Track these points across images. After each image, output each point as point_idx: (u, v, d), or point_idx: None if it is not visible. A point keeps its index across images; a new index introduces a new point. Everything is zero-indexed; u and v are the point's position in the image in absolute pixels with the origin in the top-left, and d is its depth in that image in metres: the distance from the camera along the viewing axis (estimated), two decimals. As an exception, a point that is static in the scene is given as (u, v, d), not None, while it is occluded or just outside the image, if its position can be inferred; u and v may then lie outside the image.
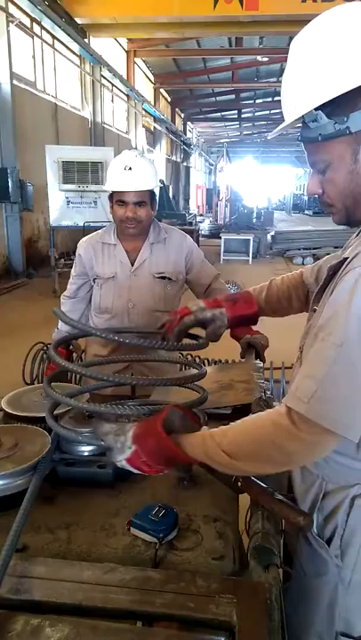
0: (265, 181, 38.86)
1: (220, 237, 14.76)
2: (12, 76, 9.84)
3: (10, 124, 9.76)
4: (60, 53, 13.04)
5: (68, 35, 11.49)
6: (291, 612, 1.23)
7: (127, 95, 18.41)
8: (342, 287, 1.03)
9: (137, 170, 2.23)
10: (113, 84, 16.81)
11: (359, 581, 1.23)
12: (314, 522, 1.24)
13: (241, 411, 1.63)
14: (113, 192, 2.29)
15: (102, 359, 2.09)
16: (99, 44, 14.35)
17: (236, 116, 31.20)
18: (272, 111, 28.71)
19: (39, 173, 9.48)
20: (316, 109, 1.03)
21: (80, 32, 12.24)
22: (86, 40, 12.91)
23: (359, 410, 0.98)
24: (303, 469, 1.31)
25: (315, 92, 1.02)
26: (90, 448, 1.42)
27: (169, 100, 26.07)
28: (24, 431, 1.46)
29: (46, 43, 12.10)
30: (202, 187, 34.72)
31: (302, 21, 1.10)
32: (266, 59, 18.05)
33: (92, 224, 8.17)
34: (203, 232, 17.78)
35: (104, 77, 15.38)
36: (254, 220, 18.35)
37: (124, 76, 17.03)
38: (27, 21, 11.01)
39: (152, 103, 21.29)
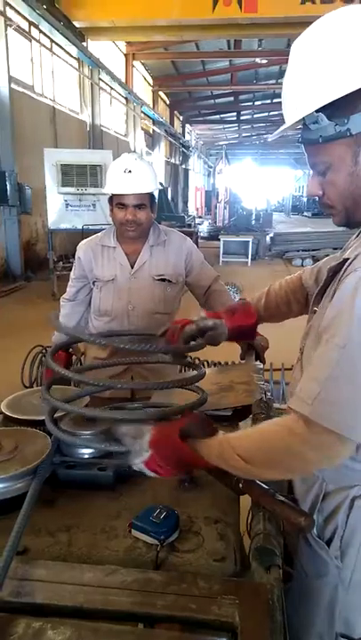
0: (264, 183, 38.92)
1: (219, 239, 14.77)
2: (11, 79, 9.85)
3: (8, 127, 9.77)
4: (59, 57, 13.05)
5: (67, 38, 11.51)
6: (292, 612, 1.24)
7: (126, 98, 18.44)
8: (344, 289, 1.03)
9: (137, 173, 2.23)
10: (111, 87, 16.84)
11: (359, 582, 1.23)
12: (314, 522, 1.24)
13: (241, 412, 1.63)
14: (113, 195, 2.29)
15: (101, 362, 2.10)
16: (97, 47, 14.36)
17: (234, 119, 31.22)
18: (271, 113, 28.72)
19: (38, 176, 9.48)
20: (316, 111, 1.04)
21: (78, 35, 12.23)
22: (85, 43, 12.92)
23: None
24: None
25: (316, 94, 1.03)
26: (90, 450, 1.42)
27: (168, 102, 26.11)
28: (24, 434, 1.46)
29: (44, 46, 12.11)
30: (201, 189, 34.71)
31: (301, 23, 1.11)
32: (265, 61, 18.08)
33: (90, 227, 8.17)
34: (202, 234, 17.79)
35: (102, 80, 15.40)
36: (253, 222, 18.39)
37: (123, 79, 17.05)
38: (25, 25, 11.03)
39: (151, 106, 21.32)
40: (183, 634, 0.93)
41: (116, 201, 2.29)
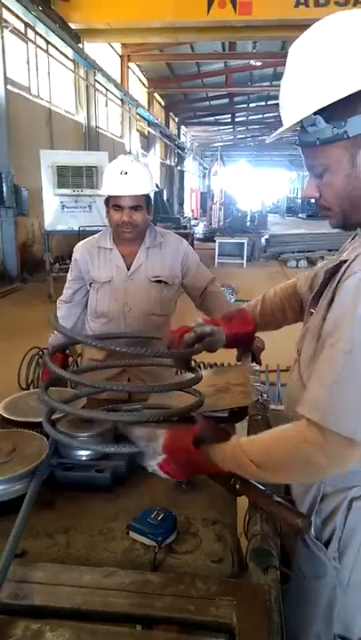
0: (259, 185, 38.97)
1: (214, 241, 14.78)
2: (6, 81, 9.83)
3: (4, 128, 9.75)
4: (55, 58, 13.04)
5: (62, 40, 11.52)
6: (289, 614, 1.24)
7: (121, 100, 18.45)
8: (345, 292, 1.04)
9: (133, 174, 2.24)
10: (107, 89, 16.84)
11: (357, 583, 1.23)
12: (312, 524, 1.25)
13: (238, 413, 1.63)
14: (109, 196, 2.30)
15: (98, 364, 2.10)
16: (93, 48, 14.37)
17: (229, 120, 31.32)
18: (265, 115, 28.80)
19: (34, 178, 9.46)
20: (314, 114, 1.04)
21: (74, 37, 12.25)
22: (80, 45, 12.94)
23: None
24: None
25: (313, 96, 1.03)
26: (88, 452, 1.42)
27: (163, 104, 26.13)
28: (22, 436, 1.46)
29: (40, 48, 12.10)
30: (196, 190, 34.80)
31: (295, 26, 1.12)
32: (259, 63, 18.17)
33: (87, 228, 8.16)
34: (197, 235, 17.81)
35: (98, 82, 15.41)
36: (248, 224, 18.41)
37: (118, 81, 17.08)
38: (21, 27, 11.02)
39: (146, 107, 21.35)
40: (181, 635, 0.93)
41: (112, 202, 2.29)
